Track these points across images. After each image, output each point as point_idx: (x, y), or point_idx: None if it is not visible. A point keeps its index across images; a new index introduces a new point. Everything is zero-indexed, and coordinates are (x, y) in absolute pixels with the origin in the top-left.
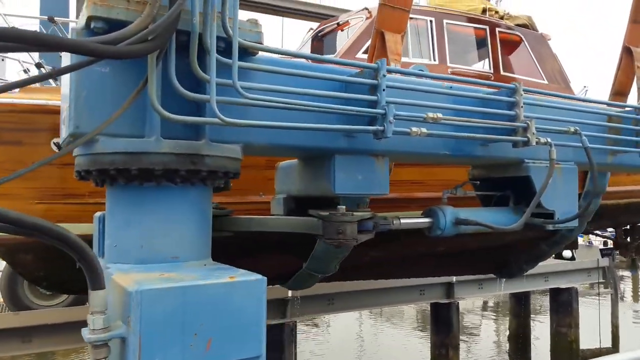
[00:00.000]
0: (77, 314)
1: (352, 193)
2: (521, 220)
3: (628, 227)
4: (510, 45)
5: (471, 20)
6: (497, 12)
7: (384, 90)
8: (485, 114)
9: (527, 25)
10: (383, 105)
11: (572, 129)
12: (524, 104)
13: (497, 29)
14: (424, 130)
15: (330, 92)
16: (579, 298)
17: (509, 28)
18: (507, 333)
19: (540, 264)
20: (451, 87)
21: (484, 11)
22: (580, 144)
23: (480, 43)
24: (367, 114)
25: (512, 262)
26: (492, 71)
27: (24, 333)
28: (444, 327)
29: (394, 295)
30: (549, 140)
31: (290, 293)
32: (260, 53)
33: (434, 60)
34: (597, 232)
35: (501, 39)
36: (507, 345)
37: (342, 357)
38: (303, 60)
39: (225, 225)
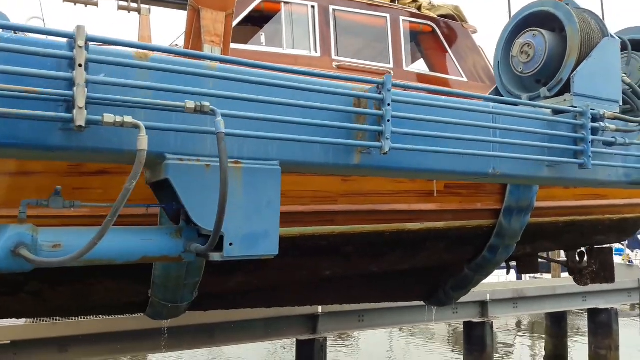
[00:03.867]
0: (113, 324)
1: None
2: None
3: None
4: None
5: (369, 7)
6: (414, 0)
7: None
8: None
9: (454, 17)
10: None
11: (193, 105)
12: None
13: (402, 18)
14: None
15: None
16: (619, 319)
17: (422, 17)
18: (543, 354)
19: None
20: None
21: None
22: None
23: (381, 34)
24: None
25: (439, 289)
26: (392, 66)
27: (61, 343)
28: (477, 347)
29: (426, 313)
30: (124, 118)
31: (320, 309)
32: None
33: (316, 52)
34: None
35: (410, 29)
36: None
37: None
38: None
39: None
